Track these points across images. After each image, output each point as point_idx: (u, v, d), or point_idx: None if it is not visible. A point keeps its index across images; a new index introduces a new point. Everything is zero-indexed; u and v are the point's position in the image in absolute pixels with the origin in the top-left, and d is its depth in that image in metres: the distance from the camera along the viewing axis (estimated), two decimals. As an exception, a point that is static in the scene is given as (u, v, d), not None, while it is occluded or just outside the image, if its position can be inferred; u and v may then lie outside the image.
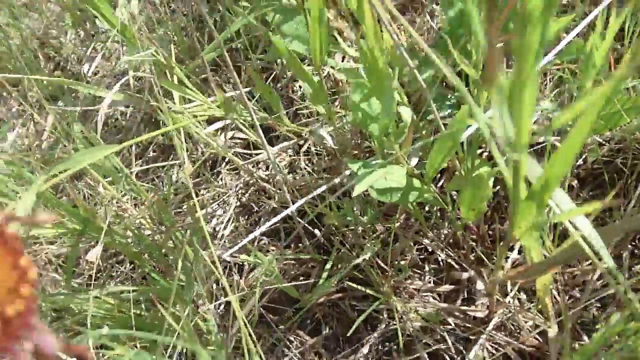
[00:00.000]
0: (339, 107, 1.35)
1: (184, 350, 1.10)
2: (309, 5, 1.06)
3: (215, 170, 1.41)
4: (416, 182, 1.08)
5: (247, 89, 1.41)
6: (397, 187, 1.05)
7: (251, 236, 0.95)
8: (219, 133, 1.36)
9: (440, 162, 1.01)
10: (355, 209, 1.21)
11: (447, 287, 1.27)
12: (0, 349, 0.36)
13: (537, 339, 1.19)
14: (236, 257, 1.20)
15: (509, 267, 1.24)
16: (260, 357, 0.95)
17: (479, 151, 1.28)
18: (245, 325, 0.88)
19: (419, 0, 1.47)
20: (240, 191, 1.35)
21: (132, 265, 1.36)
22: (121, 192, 1.31)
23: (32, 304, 0.36)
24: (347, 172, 1.16)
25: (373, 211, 1.15)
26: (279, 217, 1.07)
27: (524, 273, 0.90)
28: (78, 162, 0.69)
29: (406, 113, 0.91)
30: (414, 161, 1.09)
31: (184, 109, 1.08)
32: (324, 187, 0.94)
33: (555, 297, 1.21)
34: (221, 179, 1.37)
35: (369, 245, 1.21)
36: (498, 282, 1.11)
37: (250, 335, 0.87)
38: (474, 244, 1.28)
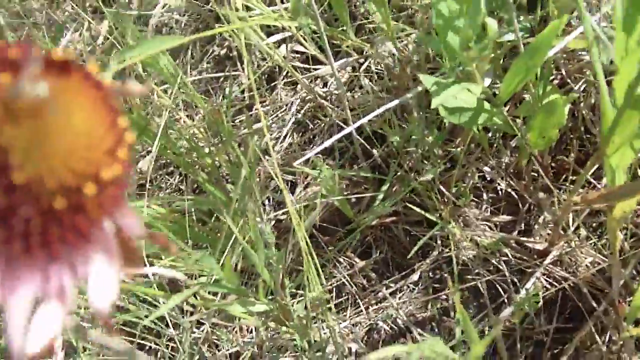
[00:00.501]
0: (403, 24, 1.29)
1: (237, 266, 1.09)
2: None
3: (270, 85, 1.37)
4: (486, 105, 1.03)
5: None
6: (467, 107, 1.00)
7: (316, 150, 0.91)
8: (276, 46, 1.31)
9: (517, 84, 0.96)
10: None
11: (504, 218, 1.23)
12: (93, 221, 0.32)
13: (595, 275, 1.15)
14: (296, 168, 1.16)
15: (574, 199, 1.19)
16: (319, 273, 0.93)
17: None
18: (306, 240, 0.86)
19: None
20: (296, 107, 1.31)
21: (182, 178, 1.34)
22: (175, 102, 1.28)
23: (128, 171, 0.32)
24: (410, 95, 1.11)
25: (438, 131, 1.10)
26: (340, 134, 1.03)
27: (609, 195, 0.85)
28: (148, 49, 0.66)
29: (493, 25, 0.86)
30: (487, 82, 1.04)
31: (247, 15, 1.04)
32: (393, 103, 0.89)
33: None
34: (277, 94, 1.33)
35: (428, 168, 1.17)
36: (571, 208, 1.07)
37: (310, 253, 0.85)
38: (535, 174, 1.23)
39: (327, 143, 0.93)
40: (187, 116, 1.31)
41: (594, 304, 1.12)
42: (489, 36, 0.85)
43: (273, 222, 1.26)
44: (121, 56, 0.65)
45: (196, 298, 0.89)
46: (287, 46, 1.28)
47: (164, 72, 0.96)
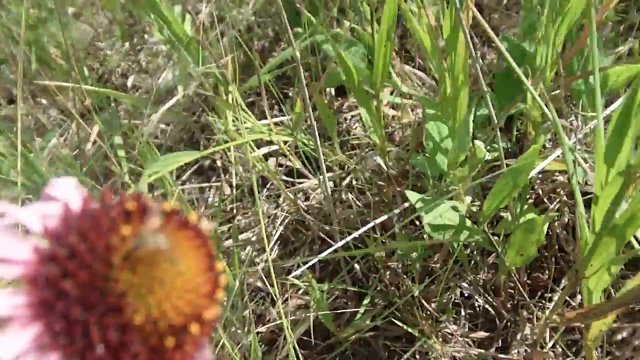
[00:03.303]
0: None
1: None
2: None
3: (252, 198, 1.39)
4: (468, 222, 1.07)
5: (288, 117, 1.39)
6: (451, 224, 1.03)
7: (306, 265, 0.92)
8: (262, 159, 1.34)
9: (500, 202, 0.99)
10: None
11: (482, 334, 1.24)
12: (188, 356, 0.34)
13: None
14: (288, 280, 1.17)
15: (544, 317, 1.21)
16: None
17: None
18: (296, 352, 0.86)
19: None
20: (279, 219, 1.33)
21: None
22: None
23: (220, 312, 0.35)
24: (396, 211, 1.14)
25: (422, 247, 1.12)
26: (327, 252, 1.05)
27: (587, 314, 0.88)
28: (168, 164, 0.68)
29: (481, 147, 0.90)
30: (467, 199, 1.08)
31: (240, 130, 1.07)
32: (381, 219, 0.92)
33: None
34: (259, 206, 1.35)
35: (409, 283, 1.18)
36: (549, 325, 1.09)
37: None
38: (512, 291, 1.26)
39: (319, 257, 0.94)
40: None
41: None
42: (478, 158, 0.89)
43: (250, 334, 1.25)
44: (150, 170, 0.68)
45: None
46: (276, 159, 1.31)
47: (165, 184, 0.98)
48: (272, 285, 1.22)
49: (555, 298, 1.24)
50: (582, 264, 0.91)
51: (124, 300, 0.31)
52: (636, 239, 0.91)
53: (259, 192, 1.35)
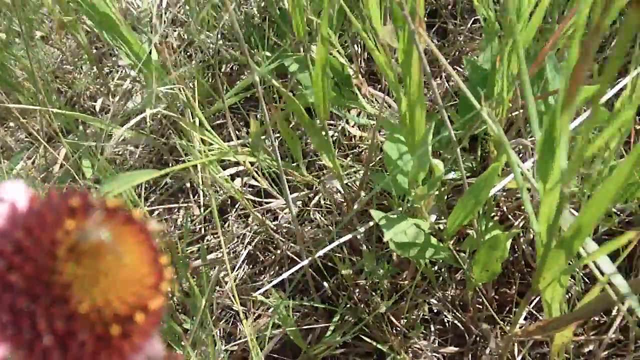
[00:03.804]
0: (351, 162, 1.35)
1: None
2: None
3: (222, 217, 1.39)
4: (433, 239, 1.08)
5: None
6: (416, 242, 1.05)
7: (272, 282, 0.93)
8: (230, 179, 1.35)
9: (462, 220, 1.01)
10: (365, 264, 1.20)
11: (451, 349, 1.25)
12: (136, 346, 0.35)
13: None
14: (253, 297, 1.17)
15: (515, 331, 1.23)
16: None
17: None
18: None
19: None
20: (247, 239, 1.34)
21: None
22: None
23: (165, 304, 0.36)
24: (361, 230, 1.15)
25: (388, 264, 1.14)
26: (294, 268, 1.06)
27: (545, 327, 0.89)
28: (125, 183, 0.69)
29: (440, 166, 0.92)
30: (433, 217, 1.09)
31: (205, 150, 1.08)
32: (345, 237, 0.93)
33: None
34: (228, 226, 1.36)
35: (378, 300, 1.20)
36: (512, 340, 1.11)
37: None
38: (480, 306, 1.27)
39: (283, 276, 0.95)
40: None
41: None
42: (436, 176, 0.91)
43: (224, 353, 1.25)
44: (106, 187, 0.68)
45: None
46: (242, 179, 1.32)
47: (127, 203, 0.98)
48: (241, 304, 1.22)
49: (524, 313, 1.26)
50: (534, 277, 0.92)
51: (69, 290, 0.32)
52: (585, 250, 0.93)
53: (228, 213, 1.36)
